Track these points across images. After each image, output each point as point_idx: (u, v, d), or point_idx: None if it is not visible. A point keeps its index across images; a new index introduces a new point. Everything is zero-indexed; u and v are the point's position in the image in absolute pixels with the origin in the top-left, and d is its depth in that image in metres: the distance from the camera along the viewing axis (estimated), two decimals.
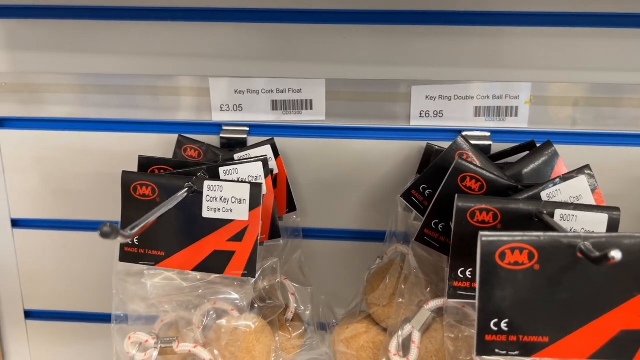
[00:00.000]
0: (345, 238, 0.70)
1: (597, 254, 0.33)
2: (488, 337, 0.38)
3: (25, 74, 0.68)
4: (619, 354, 0.37)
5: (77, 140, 0.70)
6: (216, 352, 0.51)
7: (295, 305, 0.61)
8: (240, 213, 0.50)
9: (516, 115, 0.65)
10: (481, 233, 0.38)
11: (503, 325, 0.38)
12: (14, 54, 0.68)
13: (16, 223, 0.74)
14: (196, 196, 0.51)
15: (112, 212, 0.72)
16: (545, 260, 0.37)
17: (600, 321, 0.37)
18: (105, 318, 0.76)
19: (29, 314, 0.77)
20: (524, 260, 0.37)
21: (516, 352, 0.38)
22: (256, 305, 0.56)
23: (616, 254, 0.32)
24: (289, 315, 0.61)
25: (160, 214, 0.43)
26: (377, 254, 0.63)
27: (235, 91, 0.67)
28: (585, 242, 0.36)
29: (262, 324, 0.55)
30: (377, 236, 0.69)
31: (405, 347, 0.51)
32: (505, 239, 0.37)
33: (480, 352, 0.38)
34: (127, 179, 0.52)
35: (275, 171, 0.63)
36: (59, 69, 0.68)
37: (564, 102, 0.64)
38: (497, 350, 0.38)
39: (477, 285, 0.38)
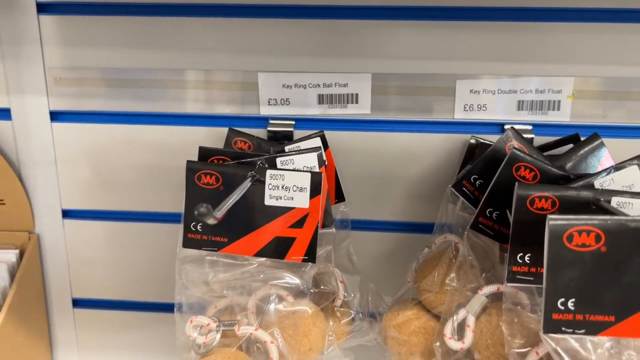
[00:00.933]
0: (390, 229, 0.72)
1: None
2: (555, 316, 0.40)
3: (78, 68, 0.70)
4: None
5: (128, 132, 0.72)
6: (276, 334, 0.53)
7: (344, 293, 0.63)
8: (301, 201, 0.52)
9: (558, 109, 0.67)
10: (549, 216, 0.39)
11: (570, 304, 0.40)
12: (67, 49, 0.70)
13: (66, 214, 0.76)
14: (258, 185, 0.53)
15: (161, 203, 0.74)
16: (611, 242, 0.39)
17: None
18: (152, 307, 0.78)
19: (77, 302, 0.80)
20: (591, 242, 0.39)
21: (582, 331, 0.40)
22: (311, 291, 0.57)
23: None
24: (338, 302, 0.63)
25: (236, 200, 0.45)
26: (422, 245, 0.64)
27: (283, 85, 0.69)
28: None
29: (316, 309, 0.57)
30: (422, 228, 0.70)
31: (459, 331, 0.52)
32: (573, 222, 0.39)
33: (547, 330, 0.40)
34: (191, 168, 0.53)
35: (325, 163, 0.64)
36: (110, 64, 0.70)
37: (606, 96, 0.66)
38: (563, 329, 0.40)
39: (544, 266, 0.40)
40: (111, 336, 0.81)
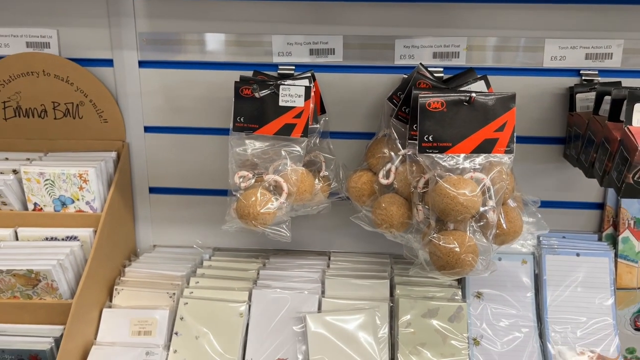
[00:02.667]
0: (355, 137, 1.13)
1: (467, 97, 0.77)
2: (423, 144, 0.82)
3: (157, 33, 1.11)
4: (486, 149, 0.80)
5: (188, 74, 1.12)
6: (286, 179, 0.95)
7: (324, 169, 1.05)
8: (299, 102, 0.93)
9: (458, 57, 1.08)
10: (420, 95, 0.81)
11: (430, 138, 0.81)
12: (151, 21, 1.10)
13: (147, 129, 1.17)
14: (274, 95, 0.94)
15: (211, 121, 1.15)
16: (449, 106, 0.81)
17: (475, 135, 0.81)
18: (203, 192, 1.19)
19: (152, 189, 1.21)
20: (439, 107, 0.81)
21: (437, 151, 0.82)
22: (305, 158, 0.98)
23: (473, 94, 0.75)
24: (322, 173, 1.04)
25: (265, 94, 0.86)
26: None
27: (287, 43, 1.10)
28: (467, 97, 0.79)
29: (308, 171, 0.99)
30: (373, 135, 1.11)
31: (387, 174, 0.94)
32: (430, 96, 0.81)
33: (420, 152, 0.82)
34: (237, 85, 0.95)
35: (314, 89, 1.05)
36: (177, 30, 1.10)
37: (487, 49, 1.07)
38: (427, 151, 0.82)
39: (417, 120, 0.81)
40: (174, 213, 1.22)
